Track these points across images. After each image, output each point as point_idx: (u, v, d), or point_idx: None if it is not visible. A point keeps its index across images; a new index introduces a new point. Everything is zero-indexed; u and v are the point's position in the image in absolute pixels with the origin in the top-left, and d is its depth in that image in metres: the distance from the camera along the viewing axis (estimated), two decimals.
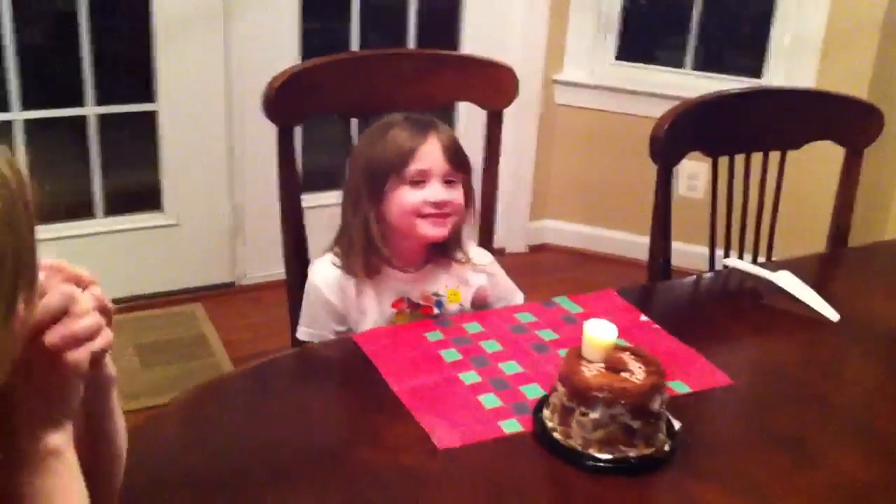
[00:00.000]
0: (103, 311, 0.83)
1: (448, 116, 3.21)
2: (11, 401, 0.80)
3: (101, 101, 2.81)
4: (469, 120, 2.94)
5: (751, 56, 3.26)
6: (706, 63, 3.36)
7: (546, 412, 1.24)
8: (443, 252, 1.58)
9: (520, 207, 3.47)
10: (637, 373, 1.19)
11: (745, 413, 1.35)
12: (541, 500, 1.17)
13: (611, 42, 3.32)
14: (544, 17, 3.23)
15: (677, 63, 3.32)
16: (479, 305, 1.63)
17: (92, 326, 0.80)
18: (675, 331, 1.49)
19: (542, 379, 1.33)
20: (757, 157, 1.90)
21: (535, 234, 3.56)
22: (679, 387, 1.34)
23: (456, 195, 1.52)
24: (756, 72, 3.20)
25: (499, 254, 3.32)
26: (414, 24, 3.11)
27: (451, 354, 1.39)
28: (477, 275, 1.63)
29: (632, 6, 3.33)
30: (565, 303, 1.57)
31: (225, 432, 1.24)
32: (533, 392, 1.31)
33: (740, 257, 1.89)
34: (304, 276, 1.71)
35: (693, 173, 3.12)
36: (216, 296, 3.02)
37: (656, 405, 1.19)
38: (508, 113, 3.08)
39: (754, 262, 1.83)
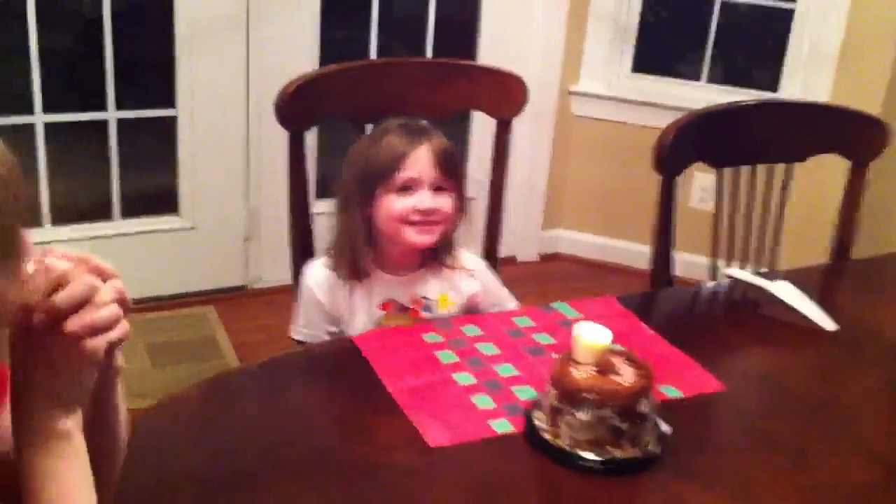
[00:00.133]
0: (122, 303, 0.86)
1: (462, 125, 3.24)
2: (28, 383, 0.83)
3: (122, 106, 2.86)
4: (484, 128, 2.96)
5: (767, 69, 3.27)
6: (723, 75, 3.38)
7: (537, 413, 1.26)
8: (434, 257, 1.61)
9: (533, 216, 3.49)
10: (626, 376, 1.21)
11: (735, 418, 1.37)
12: (529, 499, 1.20)
13: (627, 54, 3.34)
14: (562, 28, 3.26)
15: (694, 75, 3.33)
16: (472, 310, 1.65)
17: (111, 317, 0.83)
18: (671, 337, 1.50)
19: (535, 381, 1.35)
20: (762, 170, 1.91)
21: (547, 244, 3.57)
22: (672, 392, 1.36)
23: (444, 203, 1.54)
24: (772, 84, 3.21)
25: (510, 262, 3.37)
26: (432, 35, 3.14)
27: (447, 356, 1.42)
28: (469, 281, 1.65)
29: (649, 18, 3.35)
30: (564, 308, 1.59)
31: (224, 428, 1.27)
32: (526, 394, 1.33)
33: (744, 268, 1.90)
34: None
35: (705, 186, 3.12)
36: (228, 299, 3.06)
37: (644, 407, 1.21)
38: (524, 122, 3.12)
39: (758, 273, 1.84)
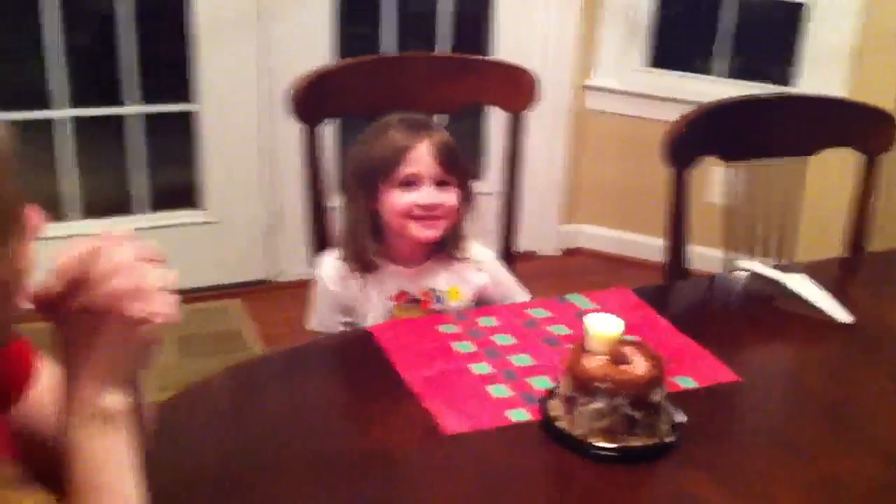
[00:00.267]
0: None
1: (477, 119, 3.26)
2: (74, 362, 0.85)
3: (144, 101, 2.90)
4: (499, 123, 2.98)
5: (782, 64, 3.27)
6: (737, 70, 3.38)
7: (552, 402, 1.29)
8: (442, 249, 1.63)
9: (551, 211, 3.51)
10: (639, 365, 1.23)
11: (749, 409, 1.38)
12: (543, 486, 1.22)
13: (642, 48, 3.35)
14: (575, 22, 3.27)
15: (708, 70, 3.33)
16: (483, 302, 1.67)
17: (164, 302, 0.86)
18: (686, 328, 1.52)
19: (551, 371, 1.37)
20: (775, 163, 1.92)
21: (566, 238, 3.59)
22: (686, 382, 1.38)
23: (447, 197, 1.57)
24: (787, 79, 3.21)
25: (530, 257, 3.39)
26: (447, 30, 3.16)
27: (463, 346, 1.44)
28: (479, 273, 1.67)
29: (663, 13, 3.35)
30: (579, 300, 1.61)
31: (245, 414, 1.30)
32: (541, 384, 1.35)
33: (759, 261, 1.91)
34: None
35: (724, 180, 3.13)
36: (253, 292, 3.10)
37: (657, 397, 1.23)
38: (539, 117, 3.13)
39: (773, 266, 1.85)
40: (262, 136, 3.01)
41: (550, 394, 1.30)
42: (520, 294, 1.73)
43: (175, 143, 3.24)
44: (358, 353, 1.46)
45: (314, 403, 1.35)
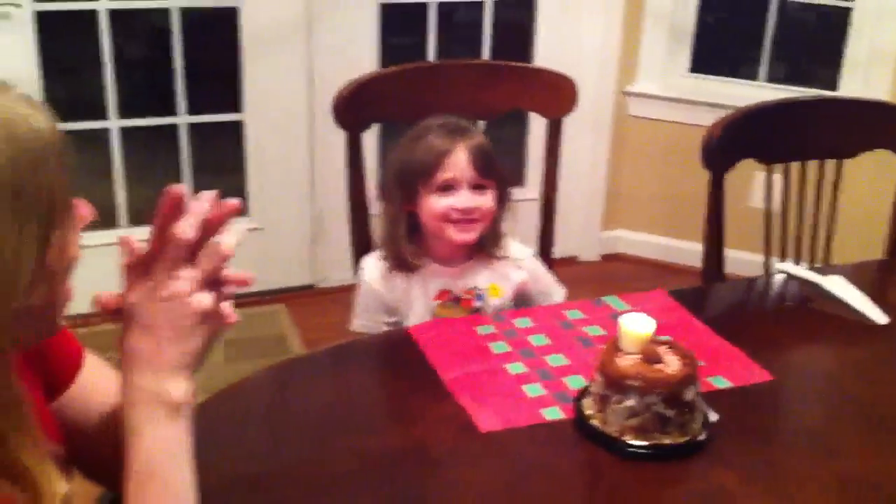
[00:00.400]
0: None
1: (519, 125, 3.29)
2: (127, 347, 0.87)
3: (192, 111, 2.97)
4: (539, 128, 3.01)
5: (826, 68, 3.26)
6: (781, 75, 3.37)
7: (585, 401, 1.31)
8: (482, 249, 1.67)
9: (592, 217, 3.52)
10: (671, 364, 1.25)
11: (782, 408, 1.39)
12: (576, 483, 1.24)
13: (684, 54, 3.35)
14: (618, 28, 3.29)
15: (752, 75, 3.33)
16: (520, 300, 1.70)
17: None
18: (721, 330, 1.53)
19: (585, 371, 1.39)
20: (815, 166, 1.93)
21: (608, 244, 3.60)
22: (719, 381, 1.39)
23: (483, 201, 1.60)
24: (832, 84, 3.19)
25: (571, 262, 3.41)
26: (491, 39, 3.20)
27: (499, 346, 1.47)
28: (517, 270, 1.70)
29: (705, 18, 3.35)
30: (614, 301, 1.63)
31: (287, 411, 1.35)
32: (576, 383, 1.38)
33: (797, 264, 1.92)
34: None
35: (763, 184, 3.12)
36: (298, 297, 3.15)
37: (689, 395, 1.24)
38: (581, 123, 3.17)
39: (811, 268, 1.86)
40: (306, 144, 3.07)
41: (584, 392, 1.32)
42: (557, 290, 1.76)
43: (221, 151, 3.31)
44: (396, 353, 1.50)
45: (354, 401, 1.39)
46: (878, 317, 1.60)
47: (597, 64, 3.28)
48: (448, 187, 1.60)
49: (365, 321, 1.68)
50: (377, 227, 1.69)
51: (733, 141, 1.82)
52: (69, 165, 0.83)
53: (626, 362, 1.25)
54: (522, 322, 1.55)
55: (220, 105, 3.11)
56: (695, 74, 3.37)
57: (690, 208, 3.36)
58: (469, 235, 1.62)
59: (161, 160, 3.19)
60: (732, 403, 1.34)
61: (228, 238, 0.91)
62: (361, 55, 3.01)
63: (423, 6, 3.09)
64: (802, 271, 1.73)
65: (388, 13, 3.05)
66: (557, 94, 1.91)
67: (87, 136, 2.83)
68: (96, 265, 0.89)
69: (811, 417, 1.37)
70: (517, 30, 3.38)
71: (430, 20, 3.11)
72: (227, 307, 0.92)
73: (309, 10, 2.92)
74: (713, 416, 1.28)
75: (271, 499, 1.14)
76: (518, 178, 3.28)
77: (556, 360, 1.44)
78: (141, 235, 0.90)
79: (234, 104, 3.01)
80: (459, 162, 1.59)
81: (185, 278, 0.86)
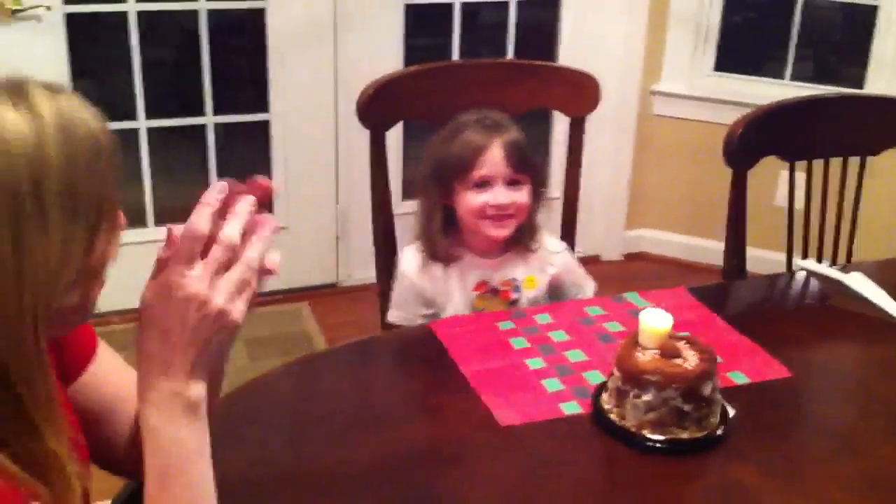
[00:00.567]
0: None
1: (543, 123, 3.29)
2: (142, 348, 0.87)
3: (218, 111, 3.00)
4: (563, 126, 3.02)
5: (852, 66, 3.24)
6: (806, 74, 3.35)
7: (604, 395, 1.32)
8: (518, 241, 1.69)
9: (616, 215, 3.52)
10: (690, 359, 1.26)
11: (801, 405, 1.40)
12: (593, 476, 1.26)
13: (709, 53, 3.34)
14: (642, 27, 3.29)
15: (777, 74, 3.31)
16: (554, 292, 1.72)
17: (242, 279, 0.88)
18: (740, 327, 1.54)
19: (604, 366, 1.40)
20: (837, 164, 1.93)
21: (631, 243, 3.60)
22: (739, 377, 1.40)
23: (518, 196, 1.63)
24: (858, 82, 3.17)
25: (594, 261, 3.41)
26: (516, 39, 3.21)
27: (519, 342, 1.49)
28: (551, 262, 1.73)
29: (731, 17, 3.34)
30: (634, 298, 1.64)
31: (309, 404, 1.37)
32: (595, 378, 1.39)
33: (819, 261, 1.92)
34: (392, 270, 1.84)
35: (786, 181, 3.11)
36: (322, 295, 3.18)
37: (707, 390, 1.25)
38: (606, 122, 3.17)
39: (833, 266, 1.86)
40: (331, 144, 3.09)
41: (602, 387, 1.34)
42: (589, 283, 1.79)
43: (248, 151, 3.35)
44: (418, 348, 1.51)
45: (375, 396, 1.41)
46: None
47: (621, 63, 3.29)
48: (483, 184, 1.62)
49: (402, 313, 1.71)
50: (414, 221, 1.71)
51: (755, 138, 1.83)
52: (118, 169, 0.85)
53: (645, 357, 1.26)
54: (543, 318, 1.56)
55: (247, 105, 3.14)
56: (720, 73, 3.36)
57: (715, 207, 3.35)
58: (504, 231, 1.65)
59: (188, 160, 3.23)
60: (751, 399, 1.34)
61: (273, 255, 0.92)
62: (387, 56, 3.03)
63: (448, 7, 3.11)
64: (823, 268, 1.73)
65: (413, 14, 3.07)
66: (580, 93, 1.92)
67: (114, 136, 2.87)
68: (122, 263, 0.91)
69: (830, 414, 1.37)
70: (541, 30, 3.39)
71: (454, 20, 3.12)
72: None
73: (335, 11, 2.95)
74: (731, 411, 1.29)
75: (293, 492, 1.16)
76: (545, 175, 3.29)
77: (576, 355, 1.45)
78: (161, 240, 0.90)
79: (261, 104, 3.04)
80: (494, 158, 1.61)
81: (200, 277, 0.85)
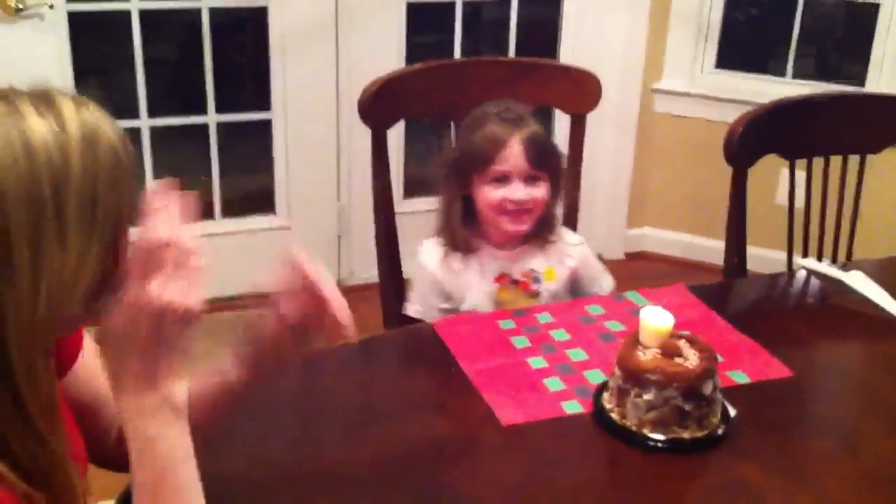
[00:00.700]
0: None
1: (546, 120, 3.29)
2: (106, 358, 0.87)
3: (220, 110, 3.00)
4: (565, 124, 3.02)
5: (854, 64, 3.24)
6: (808, 71, 3.35)
7: (605, 395, 1.32)
8: (538, 233, 1.70)
9: (617, 214, 3.52)
10: (691, 358, 1.26)
11: (801, 404, 1.40)
12: (594, 475, 1.26)
13: (711, 50, 3.34)
14: (644, 25, 3.29)
15: (779, 71, 3.31)
16: (573, 286, 1.74)
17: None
18: (741, 325, 1.54)
19: (605, 365, 1.41)
20: (837, 162, 1.93)
21: (633, 242, 3.60)
22: (739, 377, 1.40)
23: (537, 192, 1.64)
24: (859, 80, 3.17)
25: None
26: (518, 37, 3.21)
27: (520, 341, 1.49)
28: (570, 255, 1.74)
29: (732, 15, 3.34)
30: (635, 297, 1.64)
31: (311, 402, 1.37)
32: (596, 377, 1.39)
33: (819, 260, 1.92)
34: (394, 267, 1.85)
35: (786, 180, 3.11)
36: None
37: (708, 389, 1.25)
38: (607, 121, 3.17)
39: (833, 264, 1.86)
40: (332, 144, 3.10)
41: (603, 386, 1.34)
42: (606, 278, 1.81)
43: (249, 150, 3.35)
44: (420, 347, 1.52)
45: (378, 394, 1.42)
46: None
47: (622, 61, 3.29)
48: (502, 178, 1.63)
49: (420, 306, 1.71)
50: (435, 213, 1.72)
51: (755, 136, 1.83)
52: (136, 184, 0.86)
53: (646, 356, 1.26)
54: (544, 317, 1.57)
55: (249, 104, 3.14)
56: (721, 71, 3.36)
57: (716, 206, 3.35)
58: (522, 226, 1.66)
59: (190, 159, 3.23)
60: (752, 398, 1.35)
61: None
62: (388, 54, 3.03)
63: (450, 5, 3.11)
64: (824, 267, 1.74)
65: (414, 12, 3.07)
66: (581, 91, 1.93)
67: None
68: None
69: (832, 413, 1.37)
70: (543, 28, 3.39)
71: (456, 19, 3.12)
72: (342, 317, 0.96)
73: (336, 9, 2.95)
74: (731, 410, 1.30)
75: (294, 491, 1.16)
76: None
77: (577, 354, 1.46)
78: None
79: (263, 103, 3.05)
80: (514, 154, 1.62)
81: (161, 287, 0.84)
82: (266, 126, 3.06)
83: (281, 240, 3.14)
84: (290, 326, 1.04)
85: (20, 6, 2.51)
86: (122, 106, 2.87)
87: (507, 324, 1.54)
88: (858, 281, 1.66)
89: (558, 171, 1.69)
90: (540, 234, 1.71)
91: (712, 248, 3.37)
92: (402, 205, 3.06)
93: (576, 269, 1.74)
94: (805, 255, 1.94)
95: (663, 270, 3.48)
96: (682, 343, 1.28)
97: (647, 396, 1.25)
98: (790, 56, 3.28)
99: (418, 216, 2.65)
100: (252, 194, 3.27)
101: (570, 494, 1.18)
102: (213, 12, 2.87)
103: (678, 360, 1.25)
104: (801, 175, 1.93)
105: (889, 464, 1.24)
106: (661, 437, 1.24)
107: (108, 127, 0.84)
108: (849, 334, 1.58)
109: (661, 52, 3.35)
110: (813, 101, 2.00)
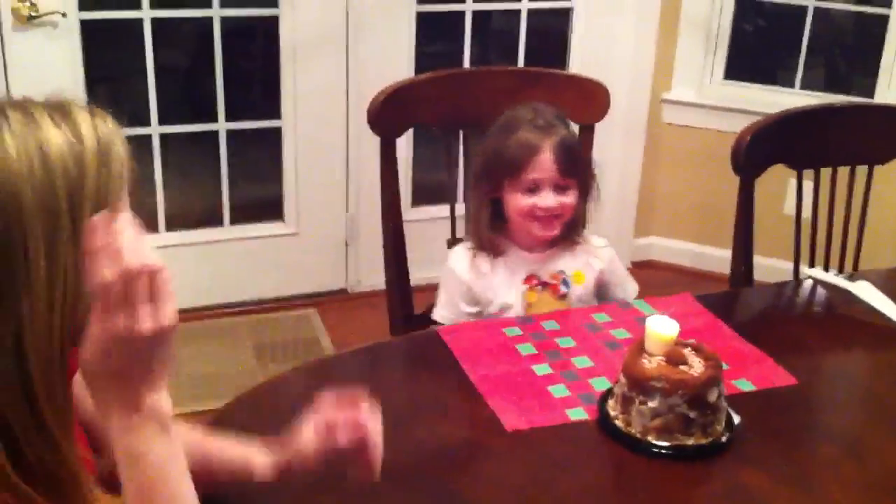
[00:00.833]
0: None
1: None
2: (84, 375, 0.84)
3: (231, 118, 3.02)
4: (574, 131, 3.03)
5: (863, 75, 3.24)
6: (817, 83, 3.35)
7: (610, 402, 1.33)
8: (566, 236, 1.71)
9: (625, 223, 3.53)
10: (696, 366, 1.27)
11: (806, 411, 1.41)
12: (598, 481, 1.27)
13: (720, 61, 3.35)
14: (653, 36, 3.29)
15: (788, 82, 3.32)
16: (600, 290, 1.75)
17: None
18: (746, 334, 1.54)
19: (610, 373, 1.41)
20: (845, 173, 1.93)
21: (640, 251, 3.60)
22: (744, 385, 1.41)
23: (566, 199, 1.66)
24: (869, 91, 3.17)
25: None
26: (527, 46, 3.22)
27: (526, 348, 1.50)
28: (597, 258, 1.76)
29: (742, 25, 3.35)
30: (641, 305, 1.65)
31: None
32: (601, 384, 1.40)
33: (826, 270, 1.92)
34: (402, 275, 1.86)
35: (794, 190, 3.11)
36: (330, 301, 3.19)
37: (713, 397, 1.26)
38: (616, 130, 3.17)
39: (840, 274, 1.86)
40: (341, 152, 3.11)
41: (608, 393, 1.35)
42: (631, 284, 1.81)
43: (259, 157, 3.37)
44: (426, 353, 1.53)
45: (384, 400, 1.41)
46: None
47: (632, 71, 3.29)
48: (533, 187, 1.64)
49: (447, 311, 1.72)
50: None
51: (763, 147, 1.84)
52: (136, 196, 0.87)
53: (651, 364, 1.27)
54: (549, 325, 1.57)
55: (259, 112, 3.16)
56: (730, 82, 3.36)
57: (725, 216, 3.34)
58: (552, 232, 1.68)
59: (200, 166, 3.25)
60: (756, 406, 1.35)
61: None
62: (398, 63, 3.04)
63: (460, 14, 3.12)
64: (830, 277, 1.74)
65: (424, 21, 3.09)
66: (590, 100, 1.94)
67: (128, 143, 2.89)
68: None
69: (836, 421, 1.38)
70: (553, 37, 3.40)
71: (465, 28, 3.14)
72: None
73: (347, 18, 2.97)
74: (736, 418, 1.30)
75: (301, 496, 1.17)
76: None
77: (582, 361, 1.47)
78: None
79: (273, 111, 3.06)
80: (545, 163, 1.63)
81: (130, 316, 0.81)
82: (276, 134, 3.08)
83: (289, 247, 3.16)
84: (327, 456, 1.09)
85: (33, 14, 2.53)
86: (133, 113, 2.89)
87: (513, 331, 1.55)
88: (865, 291, 1.66)
89: (587, 177, 1.71)
90: (567, 236, 1.72)
91: (720, 258, 3.36)
92: (409, 212, 3.08)
93: (602, 271, 1.76)
94: (812, 264, 1.94)
95: (671, 279, 3.48)
96: (688, 351, 1.29)
97: (652, 404, 1.25)
98: (799, 67, 3.28)
99: (426, 224, 2.68)
100: (261, 201, 3.29)
101: (575, 501, 1.19)
102: (225, 21, 2.89)
103: (683, 367, 1.26)
104: (808, 185, 1.94)
105: (893, 471, 1.24)
106: (665, 444, 1.25)
107: (120, 139, 0.86)
108: (855, 343, 1.58)
109: (670, 63, 3.35)
110: (820, 112, 2.00)
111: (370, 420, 1.10)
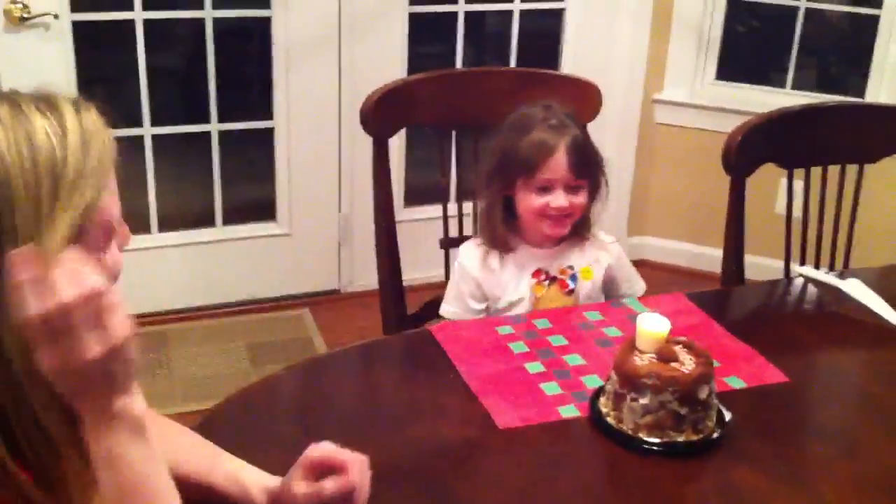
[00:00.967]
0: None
1: None
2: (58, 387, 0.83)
3: (223, 119, 3.02)
4: None
5: (854, 75, 3.25)
6: (808, 83, 3.36)
7: (602, 399, 1.34)
8: (575, 232, 1.72)
9: (618, 223, 3.53)
10: (687, 363, 1.27)
11: (796, 408, 1.41)
12: (591, 478, 1.27)
13: (711, 62, 3.36)
14: (645, 36, 3.30)
15: (779, 83, 3.33)
16: (607, 287, 1.76)
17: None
18: (738, 332, 1.55)
19: (602, 370, 1.42)
20: (835, 171, 1.94)
21: (633, 251, 3.60)
22: (735, 382, 1.42)
23: (577, 198, 1.67)
24: (859, 92, 3.19)
25: None
26: (521, 47, 3.22)
27: (519, 346, 1.50)
28: (605, 254, 1.76)
29: (734, 26, 3.36)
30: (633, 303, 1.65)
31: (311, 403, 1.38)
32: (592, 382, 1.40)
33: (817, 268, 1.93)
34: (394, 275, 1.87)
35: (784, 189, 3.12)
36: (323, 301, 3.20)
37: (704, 394, 1.27)
38: (609, 130, 3.18)
39: (830, 272, 1.87)
40: (333, 153, 3.11)
41: (600, 391, 1.35)
42: (638, 281, 1.82)
43: (251, 158, 3.37)
44: (419, 352, 1.53)
45: (377, 398, 1.43)
46: None
47: (624, 72, 3.30)
48: (546, 187, 1.65)
49: (455, 308, 1.73)
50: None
51: (754, 146, 1.84)
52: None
53: (642, 361, 1.27)
54: (542, 323, 1.58)
55: (252, 112, 3.16)
56: (722, 82, 3.38)
57: (717, 216, 3.35)
58: (562, 230, 1.69)
59: (193, 167, 3.24)
60: (748, 403, 1.36)
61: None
62: (391, 64, 3.05)
63: (452, 15, 3.13)
64: (821, 275, 1.75)
65: (417, 22, 3.10)
66: (582, 101, 1.94)
67: (120, 144, 2.88)
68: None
69: (828, 418, 1.39)
70: (545, 38, 3.41)
71: (458, 29, 3.15)
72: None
73: (339, 19, 2.97)
74: (727, 415, 1.31)
75: None
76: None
77: (574, 359, 1.47)
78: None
79: (265, 112, 3.06)
80: (559, 163, 1.64)
81: (83, 342, 0.79)
82: (268, 134, 3.08)
83: (282, 247, 3.16)
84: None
85: (25, 15, 2.53)
86: (125, 114, 2.89)
87: (506, 329, 1.55)
88: (855, 289, 1.67)
89: (599, 175, 1.72)
90: (577, 233, 1.73)
91: (713, 257, 3.36)
92: (402, 213, 3.08)
93: (611, 266, 1.77)
94: (803, 263, 1.95)
95: (664, 279, 3.48)
96: (679, 348, 1.30)
97: (643, 401, 1.26)
98: (790, 67, 3.30)
99: (419, 224, 2.68)
100: (253, 202, 3.29)
101: (567, 497, 1.19)
102: (217, 22, 2.89)
103: (674, 365, 1.27)
104: (799, 185, 1.95)
105: (885, 469, 1.25)
106: (656, 440, 1.26)
107: (105, 131, 0.87)
108: (845, 341, 1.59)
109: (662, 63, 3.37)
110: (811, 111, 2.01)
111: (359, 480, 1.09)
